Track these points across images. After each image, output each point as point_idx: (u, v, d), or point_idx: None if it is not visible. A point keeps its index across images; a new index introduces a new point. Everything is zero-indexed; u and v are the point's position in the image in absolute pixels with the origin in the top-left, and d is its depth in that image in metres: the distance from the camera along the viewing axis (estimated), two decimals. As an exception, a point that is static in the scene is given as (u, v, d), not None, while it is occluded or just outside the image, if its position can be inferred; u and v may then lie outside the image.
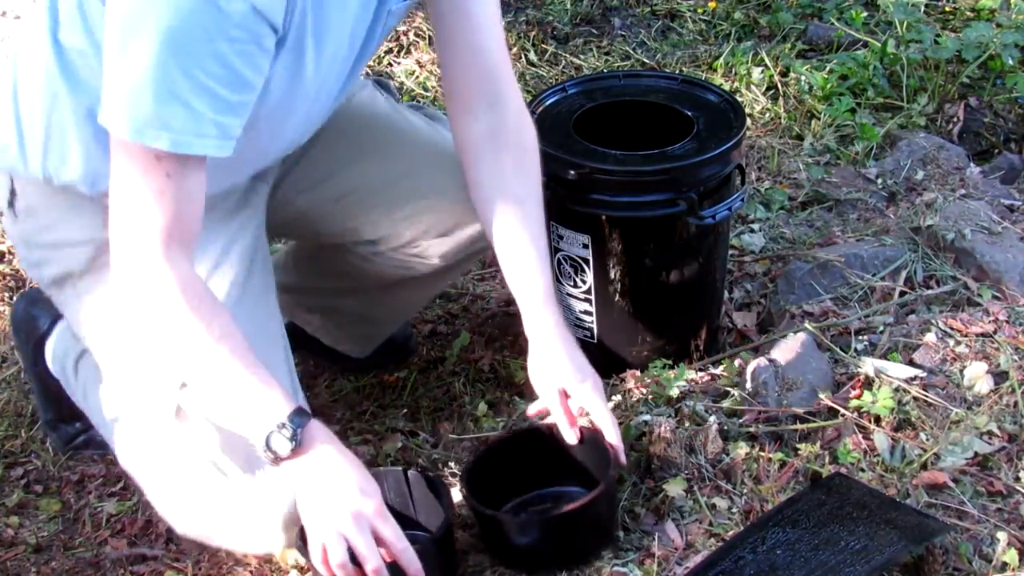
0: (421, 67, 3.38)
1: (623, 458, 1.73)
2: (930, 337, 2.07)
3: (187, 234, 1.52)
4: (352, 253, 2.08)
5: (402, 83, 3.34)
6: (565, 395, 1.76)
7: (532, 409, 1.84)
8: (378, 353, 2.31)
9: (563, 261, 2.09)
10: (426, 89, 3.32)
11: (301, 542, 1.65)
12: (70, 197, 1.71)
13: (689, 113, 2.09)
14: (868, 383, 1.93)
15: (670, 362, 2.09)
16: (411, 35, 3.47)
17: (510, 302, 2.51)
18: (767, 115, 3.17)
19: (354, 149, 1.99)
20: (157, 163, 1.44)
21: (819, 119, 3.10)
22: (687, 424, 1.89)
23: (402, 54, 3.43)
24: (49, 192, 1.71)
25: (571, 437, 1.75)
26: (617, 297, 2.10)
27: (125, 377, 1.74)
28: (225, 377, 1.54)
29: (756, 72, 3.31)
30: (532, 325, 1.79)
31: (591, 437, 1.77)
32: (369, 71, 3.31)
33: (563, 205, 1.97)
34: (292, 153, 1.91)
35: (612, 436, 1.72)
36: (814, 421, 1.88)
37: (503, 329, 2.42)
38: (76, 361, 1.98)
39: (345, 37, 1.64)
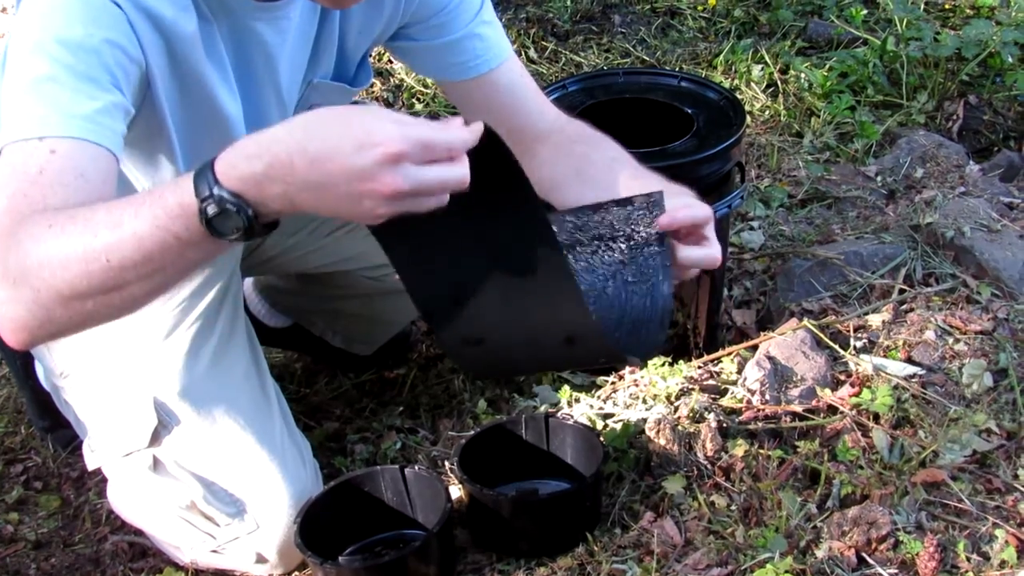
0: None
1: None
2: (929, 335, 2.07)
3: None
4: (355, 274, 2.09)
5: (402, 80, 3.34)
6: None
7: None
8: (378, 351, 2.31)
9: (562, 258, 2.09)
10: (426, 86, 3.32)
11: (301, 540, 1.65)
12: None
13: (689, 111, 2.09)
14: (867, 381, 1.94)
15: (669, 359, 2.09)
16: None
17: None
18: (767, 113, 3.17)
19: None
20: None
21: (819, 117, 3.10)
22: (686, 422, 1.89)
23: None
24: None
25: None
26: (616, 294, 2.09)
27: (99, 431, 1.76)
28: (113, 235, 1.19)
29: (756, 70, 3.31)
30: (659, 185, 1.56)
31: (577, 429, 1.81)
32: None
33: (562, 202, 1.97)
34: None
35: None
36: (813, 419, 1.88)
37: (502, 326, 2.42)
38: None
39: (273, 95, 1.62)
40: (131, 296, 1.22)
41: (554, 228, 1.42)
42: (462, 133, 1.15)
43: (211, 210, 1.13)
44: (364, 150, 1.09)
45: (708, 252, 1.47)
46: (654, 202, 1.49)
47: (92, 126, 1.27)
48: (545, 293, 1.35)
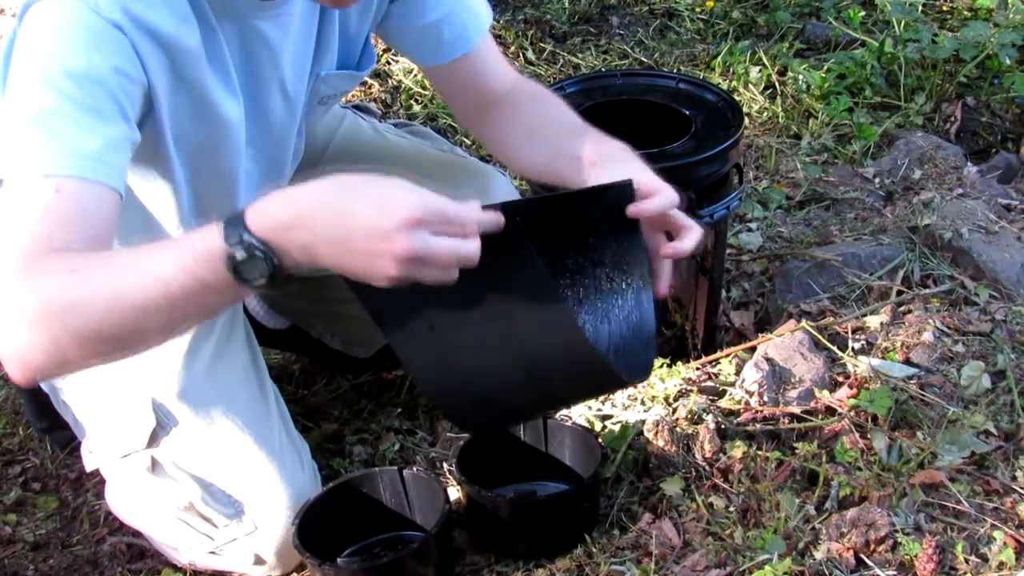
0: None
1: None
2: (927, 336, 2.07)
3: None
4: None
5: (400, 81, 3.34)
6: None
7: None
8: (376, 353, 2.31)
9: (561, 260, 2.09)
10: (424, 88, 3.32)
11: (299, 542, 1.65)
12: None
13: (687, 112, 2.09)
14: (865, 382, 1.94)
15: (668, 361, 2.09)
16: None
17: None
18: (765, 114, 3.17)
19: None
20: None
21: (816, 118, 3.10)
22: (684, 423, 1.89)
23: (399, 52, 3.43)
24: None
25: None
26: (615, 296, 2.09)
27: (98, 432, 1.76)
28: (133, 282, 1.22)
29: (754, 71, 3.31)
30: (609, 151, 1.61)
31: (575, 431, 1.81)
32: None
33: (561, 204, 1.97)
34: None
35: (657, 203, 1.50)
36: (811, 420, 1.88)
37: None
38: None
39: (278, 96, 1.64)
40: (148, 338, 1.27)
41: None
42: (478, 213, 1.21)
43: (239, 255, 1.18)
44: (385, 212, 1.16)
45: (688, 241, 1.51)
46: (624, 191, 1.49)
47: (96, 165, 1.29)
48: (553, 353, 1.36)
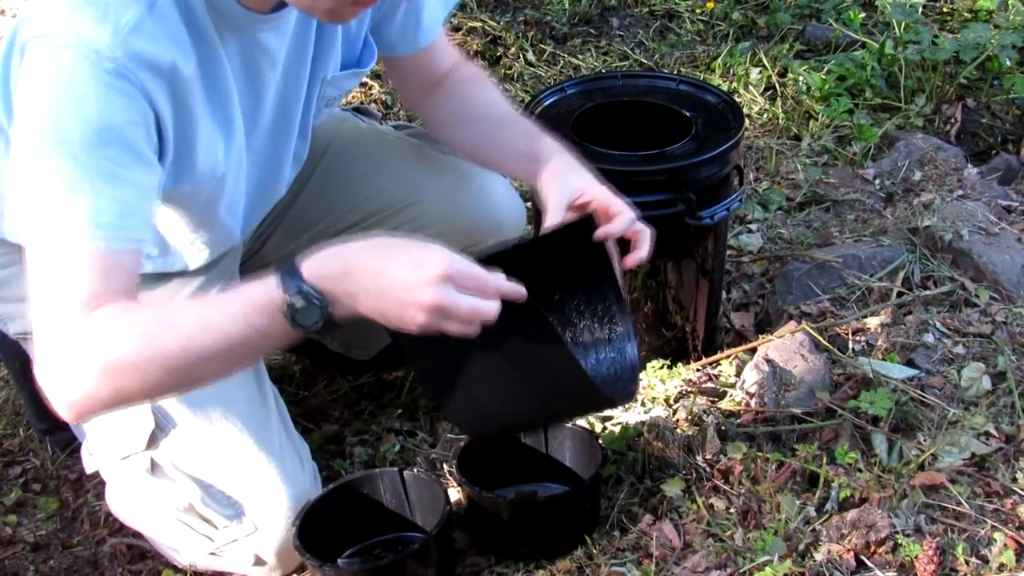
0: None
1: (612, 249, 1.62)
2: (928, 338, 2.07)
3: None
4: None
5: (400, 83, 3.34)
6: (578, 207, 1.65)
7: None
8: (376, 354, 2.31)
9: (561, 261, 2.09)
10: (424, 89, 3.32)
11: (299, 543, 1.65)
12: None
13: (687, 114, 2.09)
14: (866, 383, 1.94)
15: (668, 362, 2.09)
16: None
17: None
18: (765, 116, 3.17)
19: (344, 187, 1.99)
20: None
21: (817, 120, 3.10)
22: (685, 424, 1.89)
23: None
24: (8, 248, 1.72)
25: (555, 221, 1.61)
26: (615, 297, 2.09)
27: (97, 434, 1.76)
28: (200, 334, 1.32)
29: (754, 73, 3.32)
30: (545, 150, 1.72)
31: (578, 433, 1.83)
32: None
33: (561, 205, 1.97)
34: (279, 202, 1.92)
35: (618, 224, 1.59)
36: (812, 421, 1.88)
37: (501, 329, 2.42)
38: None
39: (269, 112, 1.67)
40: (202, 383, 1.39)
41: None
42: (502, 281, 1.34)
43: (297, 303, 1.30)
44: (418, 267, 1.30)
45: (644, 248, 1.61)
46: (587, 221, 1.58)
47: (122, 222, 1.35)
48: (559, 386, 1.50)
